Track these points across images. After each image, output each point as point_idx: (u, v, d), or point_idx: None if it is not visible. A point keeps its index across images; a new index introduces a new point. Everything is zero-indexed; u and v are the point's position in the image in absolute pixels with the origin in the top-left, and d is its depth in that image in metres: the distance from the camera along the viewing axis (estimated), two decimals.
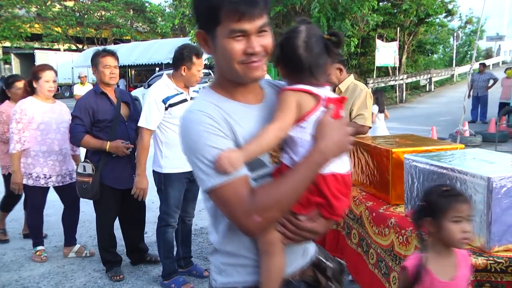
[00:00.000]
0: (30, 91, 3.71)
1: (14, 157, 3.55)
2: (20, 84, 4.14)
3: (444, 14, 23.36)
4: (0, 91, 4.31)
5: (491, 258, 1.72)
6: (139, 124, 3.13)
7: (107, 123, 3.35)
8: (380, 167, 2.50)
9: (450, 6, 23.35)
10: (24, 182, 3.62)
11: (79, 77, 11.31)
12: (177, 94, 3.13)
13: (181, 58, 3.11)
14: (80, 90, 10.19)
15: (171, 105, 3.09)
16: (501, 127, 9.97)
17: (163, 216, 3.27)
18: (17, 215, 5.05)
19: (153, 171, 3.24)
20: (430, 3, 19.48)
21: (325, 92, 1.24)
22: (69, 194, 3.80)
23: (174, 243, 3.44)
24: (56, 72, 3.82)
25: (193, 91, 3.32)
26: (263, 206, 1.12)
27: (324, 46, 1.24)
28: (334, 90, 3.42)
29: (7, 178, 4.13)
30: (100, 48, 3.55)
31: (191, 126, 1.16)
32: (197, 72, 3.15)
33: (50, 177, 3.67)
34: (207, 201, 1.25)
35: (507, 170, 1.80)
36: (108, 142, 3.30)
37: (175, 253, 3.48)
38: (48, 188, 3.77)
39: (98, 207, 3.53)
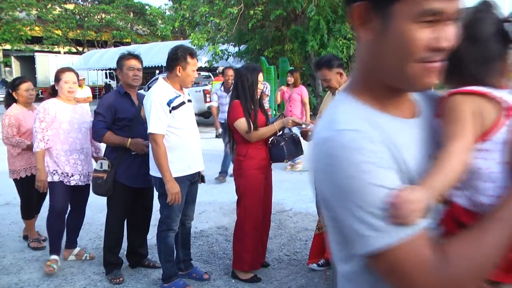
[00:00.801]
0: (53, 94, 3.76)
1: (39, 156, 3.56)
2: (25, 85, 4.12)
3: None
4: (7, 95, 4.27)
5: None
6: (150, 131, 3.03)
7: (127, 122, 3.40)
8: None
9: None
10: (49, 179, 3.61)
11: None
12: (176, 97, 3.11)
13: (176, 58, 3.08)
14: (78, 93, 10.11)
15: (174, 108, 3.06)
16: None
17: (166, 221, 3.22)
18: (16, 218, 5.05)
19: (153, 176, 3.21)
20: None
21: (507, 96, 0.87)
22: (82, 196, 3.81)
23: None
24: (77, 75, 3.86)
25: (188, 94, 3.31)
26: (459, 275, 0.74)
27: (499, 33, 0.87)
28: (333, 95, 3.42)
29: (19, 183, 4.09)
30: (125, 51, 3.67)
31: (345, 155, 0.77)
32: (192, 72, 3.13)
33: (72, 176, 3.66)
34: (346, 264, 0.87)
35: None
36: (129, 138, 3.35)
37: (174, 256, 3.47)
38: (70, 188, 3.71)
39: (109, 205, 3.54)
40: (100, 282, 3.51)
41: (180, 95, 3.14)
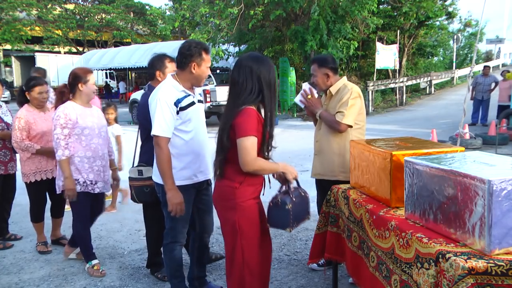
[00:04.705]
0: (65, 94, 3.55)
1: (65, 164, 3.41)
2: (39, 88, 3.93)
3: (444, 17, 23.41)
4: (20, 92, 4.06)
5: (491, 261, 1.71)
6: (154, 133, 2.72)
7: None
8: (380, 169, 2.50)
9: (450, 9, 23.41)
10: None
11: None
12: (185, 97, 2.82)
13: (190, 54, 2.76)
14: None
15: (181, 109, 2.78)
16: (501, 129, 9.97)
17: (170, 232, 2.96)
18: (16, 218, 5.05)
19: (156, 183, 2.95)
20: (430, 6, 19.53)
21: None
22: (101, 201, 3.77)
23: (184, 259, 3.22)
24: None
25: (199, 94, 3.01)
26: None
27: None
28: (326, 94, 3.44)
29: (29, 186, 4.01)
30: (158, 52, 3.55)
31: None
32: (206, 70, 2.83)
33: (96, 183, 3.56)
34: None
35: (508, 173, 1.80)
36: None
37: (188, 271, 3.29)
38: (93, 195, 3.61)
39: (152, 211, 3.41)
40: (100, 282, 3.51)
41: (189, 95, 2.85)
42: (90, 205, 3.62)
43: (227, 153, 2.43)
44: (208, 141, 3.05)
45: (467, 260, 1.72)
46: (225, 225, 2.55)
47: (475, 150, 2.56)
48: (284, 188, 2.54)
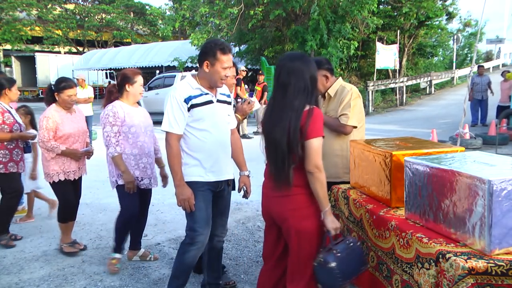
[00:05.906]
0: (114, 93, 3.64)
1: (118, 159, 3.48)
2: (70, 91, 3.92)
3: (445, 17, 23.43)
4: (48, 91, 4.02)
5: (491, 261, 1.72)
6: (162, 129, 2.76)
7: None
8: (380, 169, 2.50)
9: (450, 9, 23.43)
10: (120, 183, 3.54)
11: (76, 79, 11.06)
12: (201, 95, 2.78)
13: (204, 52, 2.76)
14: (80, 93, 10.05)
15: (193, 106, 2.75)
16: (501, 130, 9.98)
17: (189, 233, 2.86)
18: (15, 219, 5.05)
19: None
20: (430, 6, 19.54)
21: None
22: (147, 198, 3.80)
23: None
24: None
25: (221, 93, 2.92)
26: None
27: None
28: (324, 97, 3.44)
29: (54, 186, 3.97)
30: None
31: None
32: (221, 70, 2.73)
33: (142, 180, 3.62)
34: None
35: (508, 173, 1.80)
36: None
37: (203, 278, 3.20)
38: (139, 191, 3.64)
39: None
40: (100, 282, 3.51)
41: (207, 94, 2.81)
42: (137, 199, 3.66)
43: (293, 156, 2.21)
44: (227, 141, 2.95)
45: (467, 260, 1.72)
46: (304, 237, 2.27)
47: (475, 150, 2.57)
48: (325, 244, 2.24)
